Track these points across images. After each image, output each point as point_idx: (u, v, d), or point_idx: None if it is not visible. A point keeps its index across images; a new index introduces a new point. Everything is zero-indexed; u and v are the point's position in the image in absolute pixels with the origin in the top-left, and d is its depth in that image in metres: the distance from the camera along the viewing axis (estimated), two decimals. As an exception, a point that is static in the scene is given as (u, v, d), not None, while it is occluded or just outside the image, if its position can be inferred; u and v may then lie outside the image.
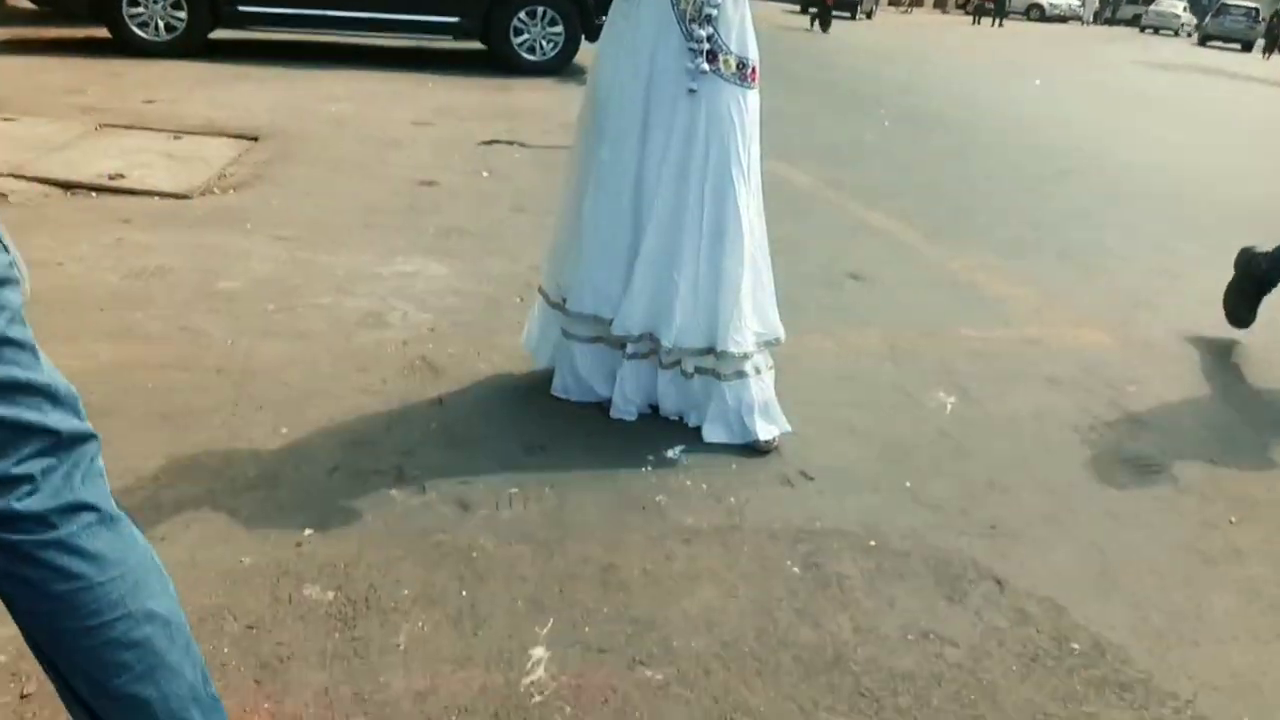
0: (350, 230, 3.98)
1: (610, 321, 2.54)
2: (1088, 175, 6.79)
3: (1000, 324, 3.61)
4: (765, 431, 2.55)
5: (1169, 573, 2.18)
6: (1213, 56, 27.20)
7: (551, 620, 1.85)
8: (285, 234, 3.85)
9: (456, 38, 8.67)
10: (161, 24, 7.65)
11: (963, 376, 3.10)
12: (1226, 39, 34.20)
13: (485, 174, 5.11)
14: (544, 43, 8.59)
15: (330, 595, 1.88)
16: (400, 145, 5.54)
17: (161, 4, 7.60)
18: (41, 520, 1.06)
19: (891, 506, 2.34)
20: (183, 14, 7.66)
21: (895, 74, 12.90)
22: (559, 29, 8.53)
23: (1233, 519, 2.42)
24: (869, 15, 28.80)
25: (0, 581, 1.07)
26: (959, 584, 2.06)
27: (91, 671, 1.13)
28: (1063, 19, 41.73)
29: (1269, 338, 3.63)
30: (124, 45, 7.55)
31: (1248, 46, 33.39)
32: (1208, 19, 35.97)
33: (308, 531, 2.06)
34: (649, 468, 2.42)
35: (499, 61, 8.57)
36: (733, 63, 2.39)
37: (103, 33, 7.70)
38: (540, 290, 2.76)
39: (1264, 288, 3.55)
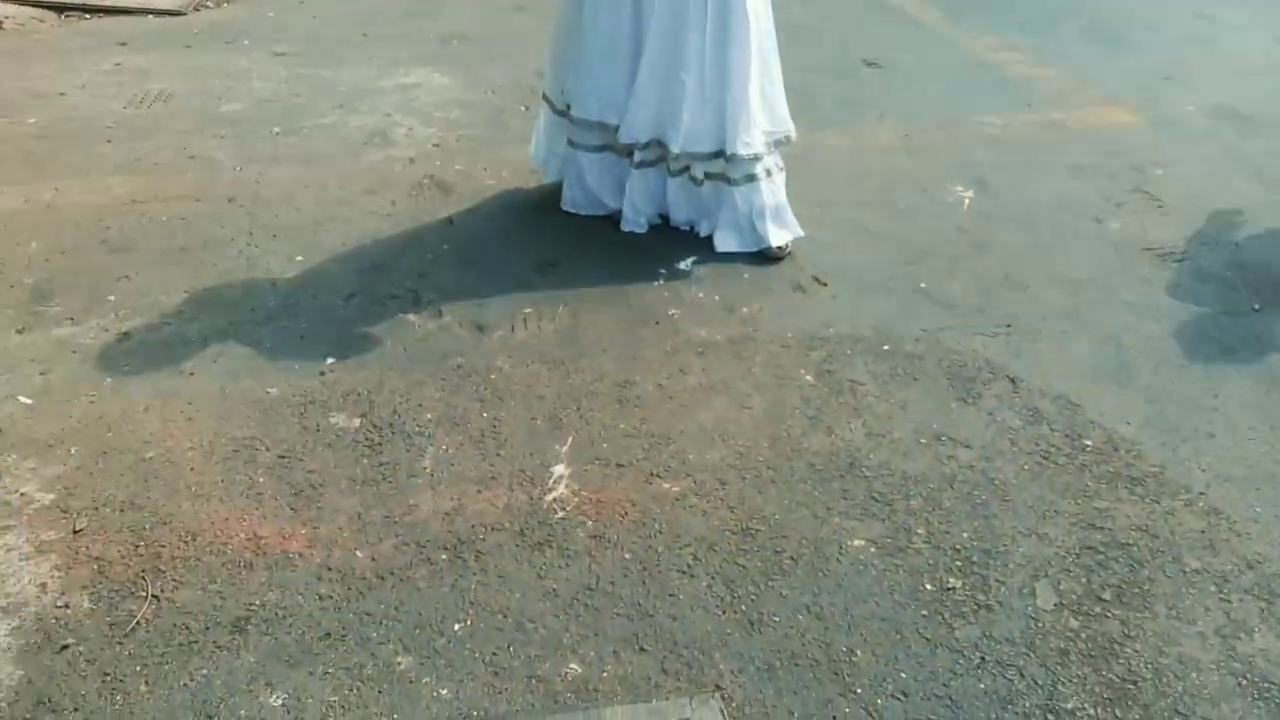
0: (349, 42, 3.85)
1: (616, 128, 2.48)
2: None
3: (1022, 107, 3.49)
4: (777, 237, 2.53)
5: (1187, 364, 2.18)
6: None
7: (570, 438, 1.91)
8: (284, 49, 3.74)
9: None
10: None
11: (981, 167, 3.02)
12: None
13: (485, -31, 4.87)
14: None
15: (356, 422, 1.95)
16: (395, -57, 5.26)
17: None
18: None
19: (906, 308, 2.34)
20: None
21: None
22: None
23: (1256, 305, 2.40)
24: None
25: None
26: (973, 385, 2.08)
27: None
28: None
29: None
30: None
31: None
32: None
33: (330, 360, 2.11)
34: (661, 281, 2.42)
35: None
36: None
37: None
38: (544, 98, 2.69)
39: None
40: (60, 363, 2.07)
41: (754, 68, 2.39)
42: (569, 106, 2.56)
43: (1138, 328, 2.30)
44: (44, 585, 1.58)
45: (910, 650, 1.50)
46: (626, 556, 1.65)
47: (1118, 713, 1.42)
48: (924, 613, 1.56)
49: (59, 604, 1.54)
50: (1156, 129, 3.34)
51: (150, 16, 4.04)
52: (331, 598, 1.57)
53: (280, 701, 1.40)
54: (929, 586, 1.61)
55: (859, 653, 1.49)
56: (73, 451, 1.85)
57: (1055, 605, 1.58)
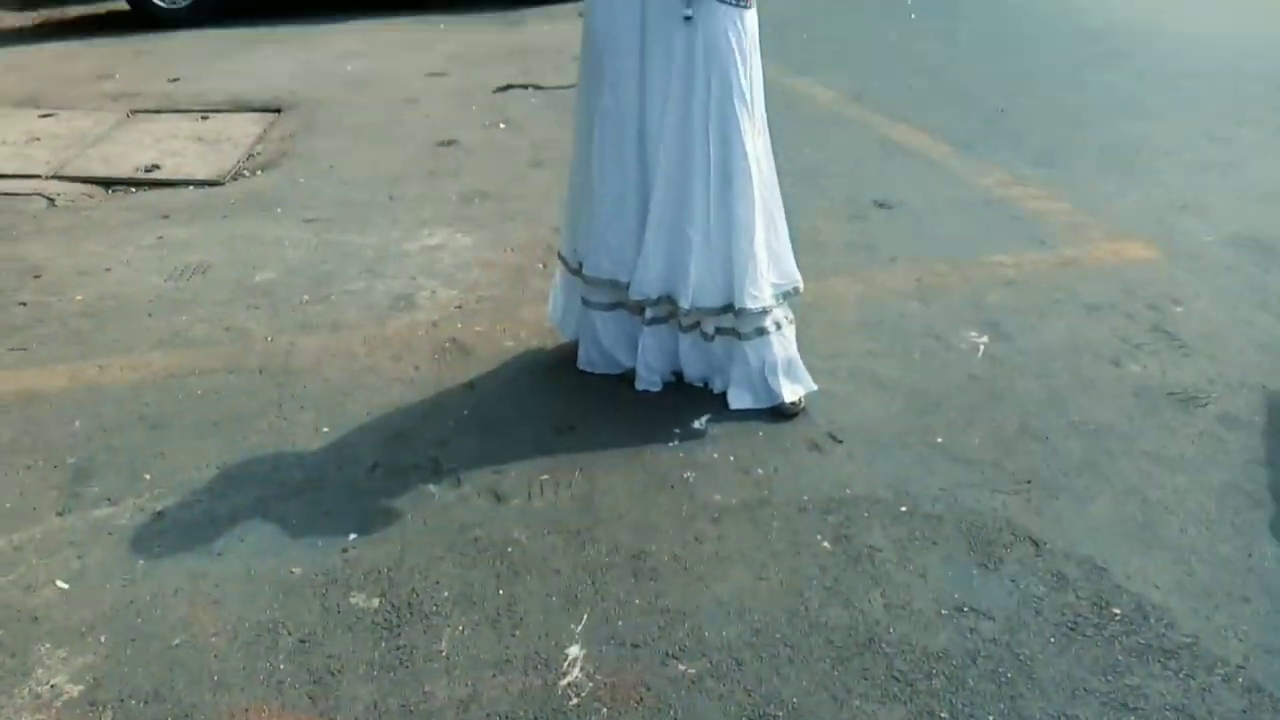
0: (375, 205, 4.00)
1: (627, 285, 2.55)
2: (1135, 56, 6.47)
3: (1035, 245, 3.52)
4: (790, 393, 2.55)
5: (1216, 519, 2.14)
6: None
7: (585, 615, 1.91)
8: (313, 215, 3.89)
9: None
10: (179, -9, 7.62)
11: (994, 311, 3.05)
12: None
13: (502, 125, 5.07)
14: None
15: (375, 602, 1.97)
16: (417, 102, 5.51)
17: (177, -30, 7.57)
18: None
19: (922, 465, 2.34)
20: (199, -22, 7.62)
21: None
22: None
23: (1285, 452, 2.36)
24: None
25: None
26: (993, 549, 2.06)
27: None
28: None
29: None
30: (143, 16, 7.56)
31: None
32: None
33: (352, 536, 2.14)
34: (676, 441, 2.45)
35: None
36: None
37: (121, 5, 7.72)
38: (560, 256, 2.77)
39: None
40: (97, 545, 2.14)
41: (759, 221, 2.45)
42: (581, 265, 2.63)
43: (1162, 480, 2.27)
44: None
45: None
46: (642, 746, 1.63)
47: None
48: (947, 803, 1.52)
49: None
50: (1174, 263, 3.34)
51: (191, 188, 4.25)
52: (345, 799, 1.56)
53: None
54: (952, 773, 1.57)
55: None
56: (103, 640, 1.89)
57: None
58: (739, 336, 2.54)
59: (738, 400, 2.57)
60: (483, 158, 4.58)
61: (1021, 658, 1.79)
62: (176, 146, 4.72)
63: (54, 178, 4.32)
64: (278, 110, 5.36)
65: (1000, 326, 2.96)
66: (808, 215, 3.77)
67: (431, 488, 2.30)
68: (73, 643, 1.88)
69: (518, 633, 1.88)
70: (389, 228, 3.76)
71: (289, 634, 1.90)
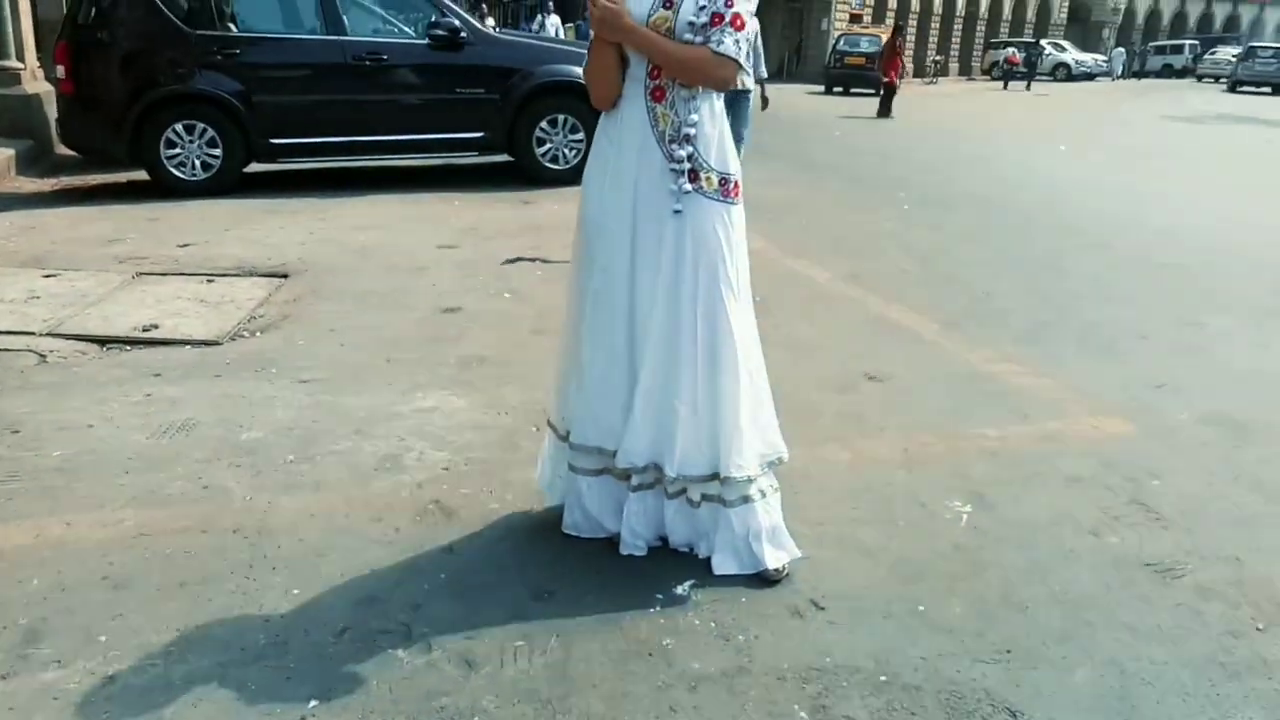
0: (372, 367, 4.06)
1: (614, 453, 2.56)
2: (1113, 247, 6.75)
3: (1018, 419, 3.57)
4: (774, 559, 2.54)
5: (1192, 691, 2.11)
6: (1244, 103, 27.04)
7: (552, 789, 1.84)
8: (309, 376, 3.94)
9: (482, 153, 8.91)
10: (198, 163, 7.97)
11: (979, 482, 3.06)
12: (1257, 83, 34.01)
13: (507, 295, 5.21)
14: (566, 150, 8.79)
15: (333, 774, 1.89)
16: (425, 271, 5.67)
17: (197, 143, 7.93)
18: None
19: (903, 634, 2.31)
20: (218, 152, 7.98)
21: (919, 152, 12.98)
22: (580, 136, 8.72)
23: (1259, 625, 2.34)
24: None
25: None
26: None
27: None
28: (1090, 76, 41.79)
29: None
30: (163, 186, 7.87)
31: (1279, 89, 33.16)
32: (1237, 64, 35.80)
33: (313, 703, 2.07)
34: (658, 608, 2.41)
35: (524, 173, 8.78)
36: (714, 180, 2.43)
37: (142, 175, 8.05)
38: (549, 423, 2.80)
39: None
40: (40, 711, 2.04)
41: (744, 396, 2.50)
42: (569, 433, 2.66)
43: (1140, 651, 2.24)
44: None
45: None
46: None
47: None
48: None
49: None
50: (1151, 438, 3.40)
51: (188, 347, 4.31)
52: None
53: None
54: None
55: None
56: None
57: None
58: (724, 503, 2.55)
59: (722, 566, 2.55)
60: (485, 325, 4.69)
61: (1002, 838, 1.72)
62: (178, 307, 4.80)
63: (48, 335, 4.36)
64: (284, 276, 5.51)
65: (984, 497, 2.96)
66: (801, 386, 3.84)
67: (400, 653, 2.24)
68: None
69: (480, 805, 1.80)
70: (383, 390, 3.81)
71: (240, 805, 1.82)
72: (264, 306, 4.92)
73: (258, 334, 4.52)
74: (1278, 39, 44.24)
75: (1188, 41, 49.08)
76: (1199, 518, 2.85)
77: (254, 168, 8.29)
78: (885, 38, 22.53)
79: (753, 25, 2.39)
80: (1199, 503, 2.95)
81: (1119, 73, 43.93)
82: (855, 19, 36.74)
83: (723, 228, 2.43)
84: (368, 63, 8.10)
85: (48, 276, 5.31)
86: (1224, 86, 35.68)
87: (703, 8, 2.32)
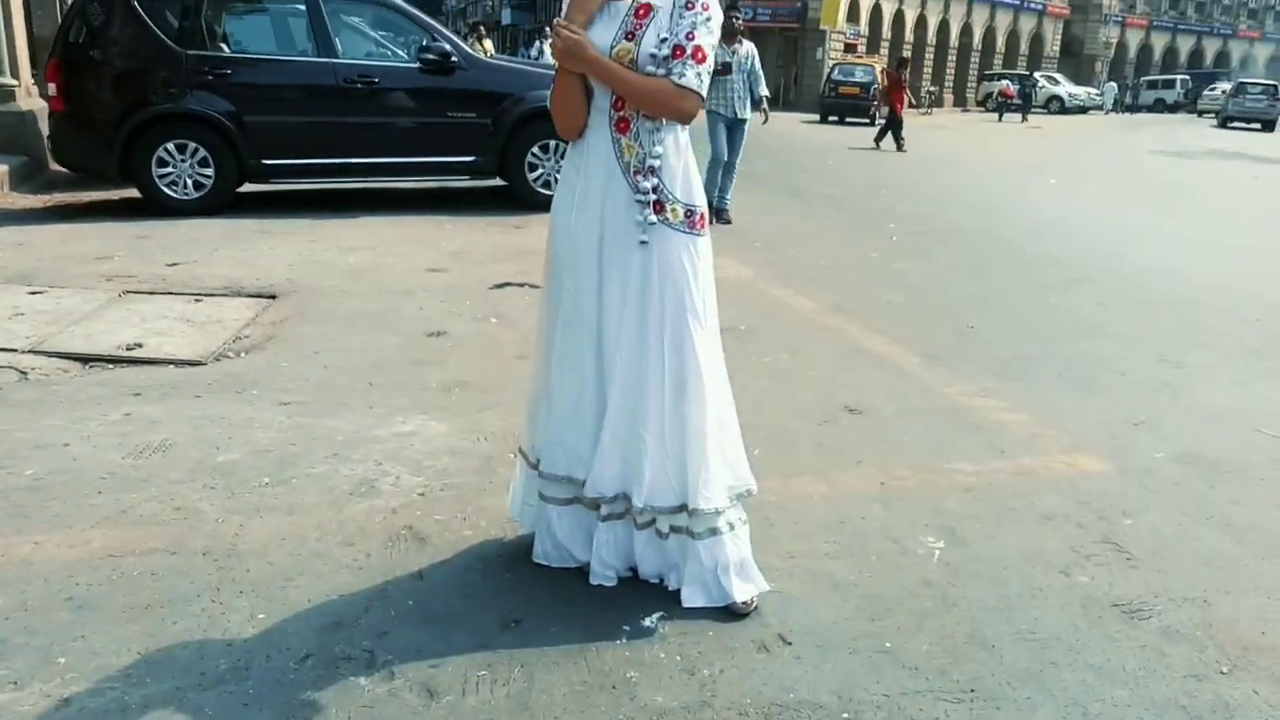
0: (354, 390, 4.06)
1: (584, 483, 2.57)
2: (1099, 282, 6.79)
3: (994, 455, 3.58)
4: (742, 592, 2.53)
5: (1154, 736, 2.11)
6: (1233, 139, 27.26)
7: (507, 822, 1.83)
8: (290, 398, 3.94)
9: (474, 177, 8.94)
10: (190, 182, 7.97)
11: (952, 517, 3.07)
12: (1247, 119, 34.30)
13: (494, 320, 5.22)
14: (558, 176, 8.82)
15: (287, 804, 1.88)
16: (413, 294, 5.68)
17: (189, 163, 7.94)
18: None
19: (869, 670, 2.30)
20: (210, 171, 7.99)
21: (909, 182, 13.06)
22: (572, 161, 8.77)
23: (1224, 669, 2.34)
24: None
25: None
26: (931, 760, 2.01)
27: None
28: (1083, 109, 42.16)
29: (1277, 454, 3.56)
30: (155, 205, 7.87)
31: (1269, 126, 33.41)
32: (1227, 100, 36.07)
33: (271, 731, 2.06)
34: (624, 639, 2.40)
35: (516, 198, 8.81)
36: (680, 211, 2.44)
37: (134, 193, 8.06)
38: (520, 450, 2.80)
39: None
40: (-8, 732, 2.04)
41: (711, 427, 2.50)
42: (539, 461, 2.66)
43: (1103, 693, 2.23)
44: None
45: None
46: None
47: None
48: None
49: None
50: (1125, 477, 3.41)
51: (170, 366, 4.31)
52: None
53: None
54: None
55: None
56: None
57: None
58: (693, 536, 2.55)
59: (690, 599, 2.55)
60: (470, 349, 4.69)
61: None
62: (163, 326, 4.80)
63: (30, 352, 4.36)
64: (272, 296, 5.51)
65: (956, 532, 2.97)
66: (780, 416, 3.85)
67: (363, 680, 2.23)
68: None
69: (434, 837, 1.79)
70: (363, 413, 3.81)
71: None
72: (250, 327, 4.93)
73: (242, 355, 4.52)
74: (1268, 74, 44.58)
75: (1179, 76, 49.64)
76: (1169, 558, 2.85)
77: (246, 188, 8.31)
78: (880, 68, 22.73)
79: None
80: (1170, 542, 2.95)
81: (1109, 106, 44.33)
82: (850, 49, 37.11)
83: (689, 259, 2.44)
84: (358, 85, 8.12)
85: (34, 293, 5.31)
86: (1215, 122, 35.97)
87: (664, 40, 2.34)
